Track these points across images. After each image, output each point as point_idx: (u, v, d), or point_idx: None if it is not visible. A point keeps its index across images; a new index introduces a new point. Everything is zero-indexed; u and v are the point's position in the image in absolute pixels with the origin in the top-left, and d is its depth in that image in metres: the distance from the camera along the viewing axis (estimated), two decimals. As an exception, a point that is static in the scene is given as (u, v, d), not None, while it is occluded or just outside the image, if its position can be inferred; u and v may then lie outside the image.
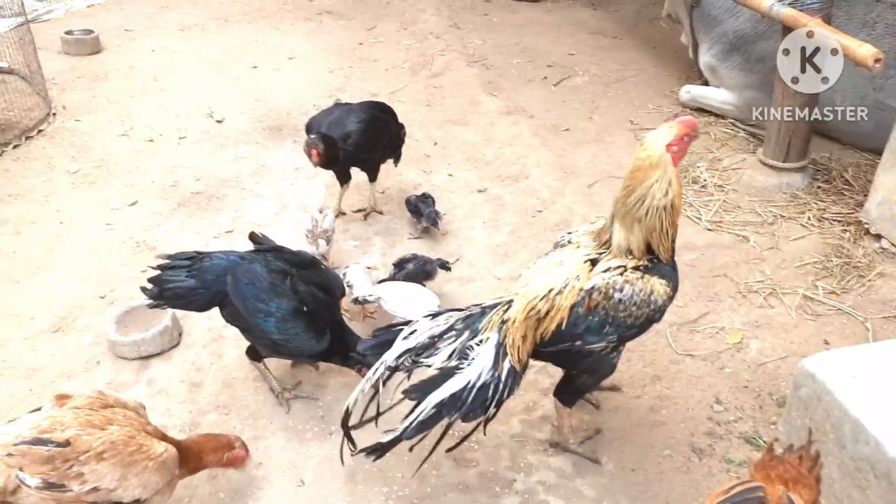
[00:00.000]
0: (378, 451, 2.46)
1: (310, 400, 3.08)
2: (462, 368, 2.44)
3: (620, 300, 2.42)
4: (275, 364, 3.15)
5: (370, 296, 3.33)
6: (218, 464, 2.54)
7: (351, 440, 2.53)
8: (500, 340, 2.49)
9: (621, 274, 2.44)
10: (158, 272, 2.90)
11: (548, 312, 2.47)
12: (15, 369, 3.24)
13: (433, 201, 4.15)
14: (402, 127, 4.41)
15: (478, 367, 2.44)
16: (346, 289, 3.33)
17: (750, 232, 4.17)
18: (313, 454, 2.86)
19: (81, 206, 4.36)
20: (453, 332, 2.53)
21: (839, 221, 4.22)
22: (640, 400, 3.10)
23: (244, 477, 2.75)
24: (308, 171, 4.73)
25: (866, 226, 4.05)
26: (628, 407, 3.06)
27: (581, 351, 2.52)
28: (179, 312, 3.42)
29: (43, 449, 2.11)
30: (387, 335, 2.60)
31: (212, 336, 3.41)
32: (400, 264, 3.61)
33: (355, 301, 3.36)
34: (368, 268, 3.50)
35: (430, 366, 2.46)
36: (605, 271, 2.45)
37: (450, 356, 2.47)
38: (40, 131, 5.12)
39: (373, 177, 4.32)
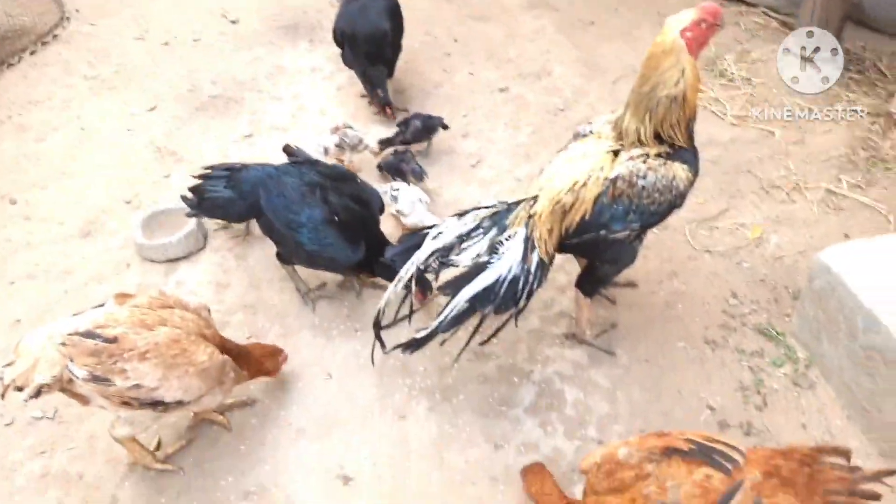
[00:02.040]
0: (413, 346, 2.56)
1: (335, 300, 3.17)
2: (493, 263, 2.49)
3: (644, 187, 2.44)
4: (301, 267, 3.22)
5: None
6: (276, 368, 2.69)
7: (381, 340, 2.63)
8: (527, 234, 2.53)
9: (644, 161, 2.45)
10: (199, 182, 2.98)
11: (573, 205, 2.51)
12: (49, 272, 3.36)
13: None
14: None
15: (508, 261, 2.49)
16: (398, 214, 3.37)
17: (776, 126, 4.08)
18: (340, 350, 2.97)
19: (101, 111, 4.38)
20: (481, 230, 2.57)
21: (869, 113, 4.10)
22: (656, 296, 3.14)
23: (273, 371, 2.88)
24: (325, 72, 4.68)
25: (896, 116, 3.94)
26: (644, 303, 3.11)
27: (606, 240, 2.56)
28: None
29: (91, 342, 2.21)
30: (413, 240, 2.64)
31: (236, 239, 3.48)
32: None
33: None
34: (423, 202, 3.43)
35: (458, 264, 2.52)
36: (628, 160, 2.46)
37: (479, 253, 2.52)
38: (55, 36, 5.07)
39: (392, 70, 4.29)
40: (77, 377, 2.21)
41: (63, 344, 2.20)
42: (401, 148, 3.83)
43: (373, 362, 2.74)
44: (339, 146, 3.71)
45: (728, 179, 3.75)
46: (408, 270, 2.55)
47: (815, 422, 2.63)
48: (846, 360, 2.61)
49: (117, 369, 2.23)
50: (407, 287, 2.57)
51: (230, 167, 3.02)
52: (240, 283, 3.28)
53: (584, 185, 2.49)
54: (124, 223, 3.59)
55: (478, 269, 2.50)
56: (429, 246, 2.56)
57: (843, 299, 2.57)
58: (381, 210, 3.11)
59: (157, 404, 2.33)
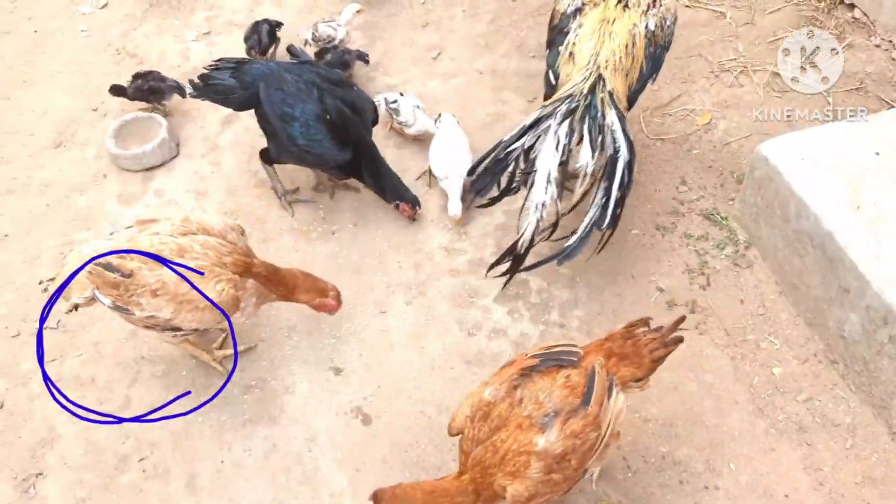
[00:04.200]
0: (569, 254, 2.76)
1: (310, 203, 3.33)
2: (619, 151, 2.71)
3: (669, 26, 2.92)
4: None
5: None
6: (308, 303, 2.65)
7: (521, 268, 2.84)
8: (618, 111, 2.78)
9: (660, 6, 2.87)
10: (207, 72, 3.12)
11: (631, 65, 2.83)
12: (28, 186, 3.44)
13: (344, 45, 3.77)
14: None
15: (623, 143, 2.73)
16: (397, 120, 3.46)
17: (727, 7, 4.17)
18: (319, 251, 3.18)
19: (52, 11, 4.26)
20: (573, 130, 2.74)
21: (817, -10, 4.20)
22: (613, 185, 3.36)
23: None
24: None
25: (842, -6, 4.06)
26: (601, 192, 3.33)
27: (646, 81, 2.93)
28: (173, 123, 3.58)
29: (111, 276, 2.37)
30: (483, 163, 2.84)
31: (207, 146, 3.57)
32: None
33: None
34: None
35: (578, 166, 2.73)
36: (647, 11, 2.84)
37: (594, 150, 2.71)
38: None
39: None
40: (104, 304, 2.43)
41: (90, 272, 2.38)
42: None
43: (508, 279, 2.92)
44: (315, 39, 3.74)
45: (680, 64, 3.88)
46: (546, 190, 2.71)
47: (751, 297, 2.96)
48: (780, 242, 2.91)
49: (134, 301, 2.39)
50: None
51: (239, 61, 3.16)
52: (217, 190, 3.41)
53: (634, 44, 2.80)
54: (94, 132, 3.64)
55: (612, 162, 2.71)
56: (543, 167, 2.73)
57: (779, 188, 2.83)
58: (375, 121, 3.22)
59: (176, 330, 2.51)
